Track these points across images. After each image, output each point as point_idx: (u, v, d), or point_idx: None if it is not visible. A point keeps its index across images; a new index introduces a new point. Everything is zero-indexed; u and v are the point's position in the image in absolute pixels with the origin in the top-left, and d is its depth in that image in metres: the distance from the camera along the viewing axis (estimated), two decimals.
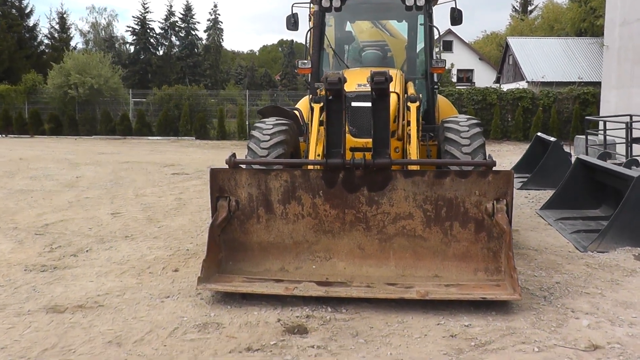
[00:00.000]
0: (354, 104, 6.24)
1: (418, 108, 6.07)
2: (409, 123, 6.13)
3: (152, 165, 15.16)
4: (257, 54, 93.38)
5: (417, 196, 5.08)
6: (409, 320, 4.36)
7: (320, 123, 5.93)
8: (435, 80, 7.73)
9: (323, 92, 6.27)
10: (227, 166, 5.25)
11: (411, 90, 6.68)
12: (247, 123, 26.82)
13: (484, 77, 52.20)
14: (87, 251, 6.42)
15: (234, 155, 5.22)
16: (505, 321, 4.34)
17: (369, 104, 6.47)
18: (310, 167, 5.65)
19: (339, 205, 5.16)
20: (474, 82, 52.40)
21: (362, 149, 6.16)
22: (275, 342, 3.91)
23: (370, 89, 6.47)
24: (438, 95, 7.97)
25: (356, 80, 6.36)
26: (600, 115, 18.36)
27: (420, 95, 6.66)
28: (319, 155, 5.79)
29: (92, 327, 4.17)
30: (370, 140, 6.27)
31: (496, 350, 3.83)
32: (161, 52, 59.84)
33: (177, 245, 6.71)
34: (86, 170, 14.01)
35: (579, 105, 24.49)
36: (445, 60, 7.67)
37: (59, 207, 9.14)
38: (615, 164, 9.46)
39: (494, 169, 4.95)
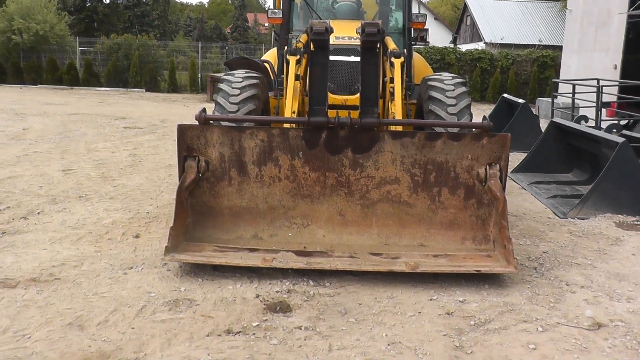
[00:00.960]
0: (332, 57, 5.73)
1: (402, 64, 5.62)
2: (391, 80, 5.67)
3: (103, 118, 14.23)
4: (206, 5, 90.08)
5: (405, 159, 4.68)
6: (398, 295, 4.02)
7: (296, 77, 5.42)
8: (413, 36, 7.29)
9: (300, 45, 5.75)
10: (196, 123, 4.70)
11: (392, 45, 6.21)
12: (199, 76, 25.78)
13: (439, 38, 51.94)
14: (38, 213, 5.79)
15: (204, 110, 4.67)
16: (500, 296, 4.06)
17: (349, 58, 6.03)
18: (286, 125, 5.16)
19: (319, 167, 4.72)
20: (429, 42, 51.99)
21: (341, 107, 5.70)
22: (258, 322, 3.50)
23: (353, 42, 6.02)
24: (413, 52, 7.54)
25: (334, 33, 5.84)
26: (561, 78, 18.37)
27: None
28: (294, 112, 5.29)
29: (48, 305, 3.65)
30: (350, 97, 5.85)
31: (498, 330, 3.54)
32: (108, 0, 56.79)
33: (136, 207, 6.15)
34: (33, 122, 12.99)
35: (537, 68, 24.54)
36: (425, 15, 7.22)
37: (6, 162, 8.34)
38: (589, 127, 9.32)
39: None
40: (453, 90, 5.70)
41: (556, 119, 8.75)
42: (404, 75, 5.64)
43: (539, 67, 24.66)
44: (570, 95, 14.13)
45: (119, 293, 3.86)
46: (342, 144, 4.65)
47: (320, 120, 4.52)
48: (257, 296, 3.90)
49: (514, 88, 24.01)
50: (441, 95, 5.65)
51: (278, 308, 3.72)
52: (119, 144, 10.42)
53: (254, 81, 5.81)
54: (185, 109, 18.03)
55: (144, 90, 25.32)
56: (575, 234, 5.69)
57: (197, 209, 4.84)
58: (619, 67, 15.98)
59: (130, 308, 3.63)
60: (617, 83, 14.18)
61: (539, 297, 4.07)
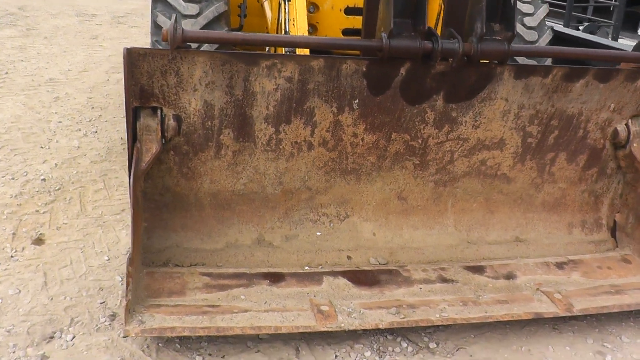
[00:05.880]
0: None
1: None
2: None
3: None
4: None
5: (523, 111, 2.81)
6: (548, 353, 2.33)
7: None
8: None
9: None
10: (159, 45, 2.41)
11: None
12: None
13: None
14: None
15: (177, 23, 2.30)
16: None
17: None
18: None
19: (383, 125, 2.70)
20: None
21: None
22: None
23: None
24: None
25: None
26: None
27: None
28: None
29: None
30: None
31: None
32: None
33: (21, 169, 3.71)
34: None
35: None
36: None
37: None
38: None
39: None
40: None
41: None
42: None
43: None
44: None
45: None
46: (433, 85, 2.61)
47: (409, 45, 2.40)
48: None
49: None
50: None
51: None
52: None
53: None
54: None
55: None
56: None
57: (155, 199, 2.64)
58: None
59: None
60: None
61: None
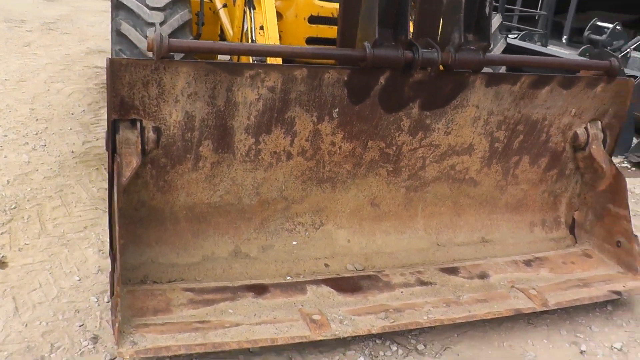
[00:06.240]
0: None
1: None
2: None
3: None
4: None
5: (492, 117, 2.94)
6: (528, 348, 2.45)
7: None
8: None
9: None
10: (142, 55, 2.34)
11: None
12: None
13: None
14: None
15: (160, 32, 2.24)
16: None
17: None
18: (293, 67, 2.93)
19: (361, 134, 2.74)
20: None
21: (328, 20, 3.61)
22: None
23: None
24: None
25: None
26: None
27: None
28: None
29: None
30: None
31: None
32: None
33: None
34: None
35: None
36: None
37: None
38: None
39: None
40: None
41: None
42: None
43: None
44: None
45: None
46: (410, 94, 2.68)
47: (392, 55, 2.45)
48: None
49: None
50: None
51: None
52: None
53: None
54: None
55: None
56: None
57: (130, 215, 2.57)
58: None
59: None
60: None
61: None
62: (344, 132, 2.70)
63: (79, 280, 2.73)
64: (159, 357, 2.13)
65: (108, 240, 3.00)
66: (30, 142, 4.29)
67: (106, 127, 2.29)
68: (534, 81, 2.85)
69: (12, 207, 3.35)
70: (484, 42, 2.56)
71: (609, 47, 6.94)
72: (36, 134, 4.47)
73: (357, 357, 2.31)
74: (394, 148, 2.85)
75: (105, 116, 4.99)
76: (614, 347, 2.56)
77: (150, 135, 2.37)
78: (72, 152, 4.19)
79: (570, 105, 3.03)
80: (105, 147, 2.36)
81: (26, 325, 2.38)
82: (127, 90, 2.26)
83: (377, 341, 2.41)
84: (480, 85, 2.76)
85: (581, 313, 2.79)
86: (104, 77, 6.24)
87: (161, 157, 2.50)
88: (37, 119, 4.78)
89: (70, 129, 4.66)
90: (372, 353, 2.34)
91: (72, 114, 5.05)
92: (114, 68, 2.19)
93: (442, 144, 2.92)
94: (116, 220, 2.20)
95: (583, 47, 7.03)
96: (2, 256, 2.87)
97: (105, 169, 3.96)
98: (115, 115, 2.29)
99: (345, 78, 2.52)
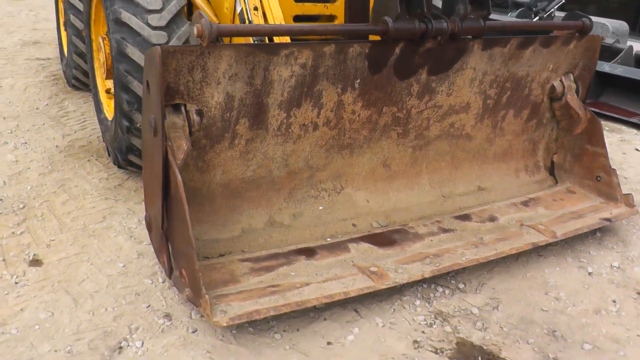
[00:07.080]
0: None
1: None
2: None
3: None
4: None
5: (486, 77, 3.24)
6: (555, 277, 2.81)
7: None
8: None
9: None
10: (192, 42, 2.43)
11: None
12: None
13: None
14: None
15: (204, 19, 2.33)
16: None
17: None
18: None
19: (377, 101, 2.96)
20: None
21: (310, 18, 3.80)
22: None
23: None
24: None
25: None
26: None
27: None
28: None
29: None
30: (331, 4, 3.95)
31: None
32: None
33: None
34: None
35: None
36: None
37: None
38: None
39: None
40: None
41: None
42: None
43: None
44: None
45: None
46: (419, 62, 2.92)
47: (410, 27, 2.67)
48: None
49: None
50: None
51: None
52: None
53: None
54: None
55: None
56: None
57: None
58: None
59: None
60: None
61: None
62: (363, 101, 2.90)
63: (124, 266, 2.79)
64: (250, 321, 2.28)
65: (135, 227, 3.11)
66: (9, 141, 4.17)
67: (142, 114, 2.37)
68: (521, 42, 3.17)
69: (21, 207, 3.31)
70: (484, 11, 2.84)
71: (534, 9, 7.48)
72: (10, 132, 4.34)
73: (413, 300, 2.55)
74: (404, 112, 3.09)
75: (72, 109, 4.94)
76: (613, 266, 2.96)
77: (195, 118, 2.47)
78: (57, 146, 4.12)
79: (548, 61, 3.38)
80: (152, 134, 2.43)
81: (92, 313, 2.44)
82: (173, 76, 2.36)
83: (424, 285, 2.67)
84: (478, 49, 3.04)
85: (578, 241, 3.17)
86: (53, 68, 6.12)
87: (202, 138, 2.61)
88: (4, 117, 4.62)
89: (43, 124, 4.55)
90: (424, 296, 2.60)
91: (37, 108, 4.90)
92: (164, 56, 2.27)
93: (444, 105, 3.19)
94: (184, 201, 2.30)
95: (518, 11, 7.56)
96: (34, 254, 2.87)
97: (97, 160, 3.97)
98: (165, 101, 2.37)
99: (367, 51, 2.71)
